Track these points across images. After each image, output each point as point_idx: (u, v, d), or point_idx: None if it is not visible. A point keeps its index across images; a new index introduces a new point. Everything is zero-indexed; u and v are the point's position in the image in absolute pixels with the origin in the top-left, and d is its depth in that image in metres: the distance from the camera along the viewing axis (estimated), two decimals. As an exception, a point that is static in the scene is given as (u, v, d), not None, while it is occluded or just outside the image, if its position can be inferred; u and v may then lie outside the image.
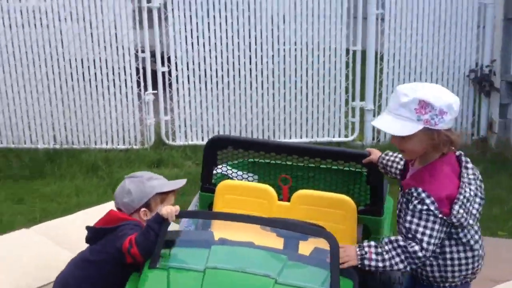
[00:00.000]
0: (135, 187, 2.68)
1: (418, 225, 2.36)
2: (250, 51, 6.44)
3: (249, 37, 6.39)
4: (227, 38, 6.36)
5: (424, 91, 2.36)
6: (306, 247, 2.56)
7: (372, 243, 2.47)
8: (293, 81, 6.59)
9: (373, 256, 2.41)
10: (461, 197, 2.38)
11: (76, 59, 6.21)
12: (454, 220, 2.36)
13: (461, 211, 2.37)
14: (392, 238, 2.42)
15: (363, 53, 6.65)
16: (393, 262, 2.38)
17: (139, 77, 6.33)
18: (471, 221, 2.43)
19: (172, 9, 6.26)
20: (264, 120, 6.66)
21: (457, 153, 2.54)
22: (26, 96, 6.27)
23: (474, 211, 2.45)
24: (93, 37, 6.20)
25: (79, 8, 6.13)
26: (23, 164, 5.80)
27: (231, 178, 3.50)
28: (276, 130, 6.70)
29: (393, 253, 2.38)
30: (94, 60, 6.25)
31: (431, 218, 2.34)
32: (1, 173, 5.59)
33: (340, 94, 6.66)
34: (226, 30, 6.36)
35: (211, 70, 6.44)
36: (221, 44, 6.37)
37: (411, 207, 2.38)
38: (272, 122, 6.67)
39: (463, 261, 2.49)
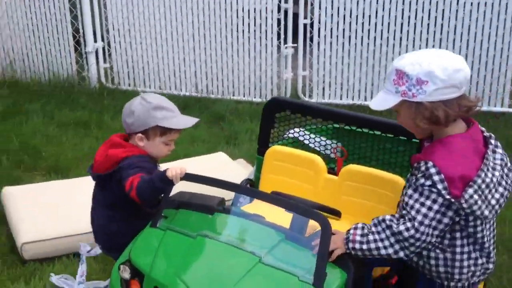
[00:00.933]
0: (140, 111, 2.65)
1: (416, 200, 2.10)
2: (403, 3, 5.99)
3: (401, -12, 5.95)
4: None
5: (406, 59, 2.12)
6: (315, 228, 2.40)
7: (360, 224, 2.25)
8: (451, 39, 6.01)
9: (357, 238, 2.20)
10: (479, 180, 2.05)
11: (220, 8, 6.38)
12: (465, 206, 2.04)
13: (476, 196, 2.04)
14: (381, 217, 2.18)
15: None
16: (380, 245, 2.15)
17: (279, 29, 6.30)
18: (486, 212, 2.09)
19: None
20: (411, 82, 6.20)
21: (486, 134, 2.20)
22: (173, 44, 6.65)
23: (493, 202, 2.10)
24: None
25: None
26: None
27: (305, 144, 3.38)
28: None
29: (381, 235, 2.15)
30: (237, 10, 6.36)
31: (433, 195, 2.07)
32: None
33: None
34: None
35: (356, 23, 6.14)
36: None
37: (413, 182, 2.13)
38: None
39: (472, 262, 2.22)
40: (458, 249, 2.18)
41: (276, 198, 2.34)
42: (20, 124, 5.72)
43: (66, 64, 7.03)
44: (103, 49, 6.96)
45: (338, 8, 6.14)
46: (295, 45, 6.38)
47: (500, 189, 2.11)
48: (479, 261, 2.22)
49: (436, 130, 2.17)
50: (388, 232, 2.14)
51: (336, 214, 2.48)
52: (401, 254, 2.14)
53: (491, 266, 2.26)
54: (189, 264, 2.27)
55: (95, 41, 6.92)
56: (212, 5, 6.40)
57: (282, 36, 6.34)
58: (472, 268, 2.22)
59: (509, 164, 2.17)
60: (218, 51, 6.54)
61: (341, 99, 6.44)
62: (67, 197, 4.00)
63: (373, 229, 2.18)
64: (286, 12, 6.27)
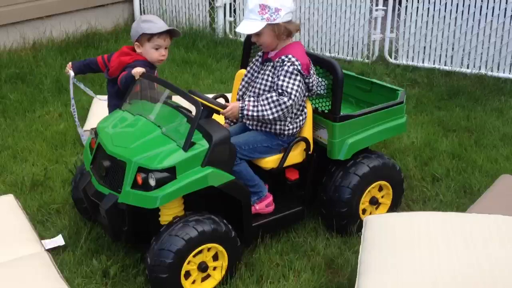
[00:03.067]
0: (134, 25, 3.82)
1: (288, 82, 3.32)
2: (485, -28, 6.30)
3: (487, -44, 6.25)
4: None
5: None
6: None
7: (252, 99, 3.37)
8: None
9: (250, 108, 3.33)
10: (311, 65, 3.49)
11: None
12: (311, 79, 3.43)
13: (314, 74, 3.48)
14: (268, 95, 3.35)
15: None
16: (265, 113, 3.32)
17: (372, -8, 6.98)
18: (315, 88, 3.50)
19: None
20: (489, 50, 6.49)
21: None
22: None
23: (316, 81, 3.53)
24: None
25: None
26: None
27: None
28: (501, 63, 6.45)
29: (267, 106, 3.33)
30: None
31: (298, 77, 3.34)
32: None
33: None
34: None
35: (441, -10, 6.59)
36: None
37: (283, 69, 3.34)
38: (498, 53, 6.44)
39: (296, 118, 3.50)
40: (292, 114, 3.47)
41: (173, 87, 3.39)
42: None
43: (202, 17, 8.45)
44: (230, 4, 8.23)
45: (426, -26, 6.63)
46: (385, 8, 6.99)
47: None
48: (300, 118, 3.51)
49: (281, 43, 3.44)
50: (272, 104, 3.30)
51: (222, 107, 3.40)
52: (275, 115, 3.31)
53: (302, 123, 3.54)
54: (120, 129, 3.44)
55: (224, -3, 8.21)
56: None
57: (374, -2, 7.01)
58: (296, 125, 3.50)
59: None
60: (319, 10, 7.40)
61: (423, 62, 6.92)
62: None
63: (264, 102, 3.31)
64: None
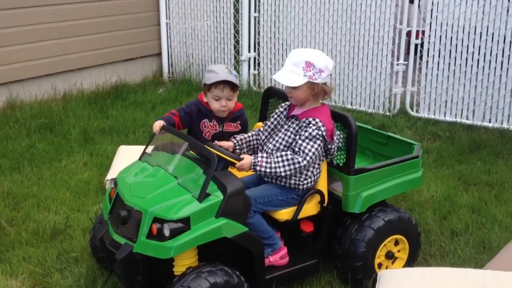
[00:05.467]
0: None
1: (308, 143, 3.35)
2: (505, 28, 6.31)
3: (507, 14, 6.27)
4: (482, 13, 6.41)
5: (309, 54, 3.35)
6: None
7: (265, 154, 3.41)
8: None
9: (263, 164, 3.36)
10: (336, 132, 3.53)
11: (345, 26, 7.32)
12: (332, 146, 3.49)
13: (335, 140, 3.52)
14: (283, 153, 3.39)
15: None
16: (277, 170, 3.35)
17: (394, 47, 7.03)
18: (335, 153, 3.57)
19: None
20: (511, 104, 6.44)
21: None
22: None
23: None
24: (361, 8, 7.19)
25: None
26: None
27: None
28: (523, 118, 6.42)
29: (280, 164, 3.36)
30: (359, 29, 7.23)
31: (319, 141, 3.36)
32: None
33: None
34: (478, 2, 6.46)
35: (462, 46, 6.61)
36: (476, 18, 6.48)
37: (307, 131, 3.35)
38: (520, 108, 6.41)
39: (311, 173, 3.50)
40: (309, 173, 3.49)
41: (190, 139, 3.45)
42: (167, 108, 7.39)
43: (227, 69, 8.59)
44: (254, 58, 8.38)
45: (446, 30, 6.67)
46: (406, 62, 7.04)
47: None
48: (315, 172, 3.51)
49: (312, 100, 3.46)
50: (286, 162, 3.33)
51: (237, 159, 3.42)
52: (288, 173, 3.35)
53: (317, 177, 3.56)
54: (138, 179, 3.48)
55: (249, 51, 8.37)
56: (339, 23, 7.38)
57: (395, 54, 7.05)
58: (310, 181, 3.50)
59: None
60: (341, 64, 7.49)
61: (444, 116, 6.91)
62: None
63: (278, 159, 3.34)
64: (400, 32, 6.99)
